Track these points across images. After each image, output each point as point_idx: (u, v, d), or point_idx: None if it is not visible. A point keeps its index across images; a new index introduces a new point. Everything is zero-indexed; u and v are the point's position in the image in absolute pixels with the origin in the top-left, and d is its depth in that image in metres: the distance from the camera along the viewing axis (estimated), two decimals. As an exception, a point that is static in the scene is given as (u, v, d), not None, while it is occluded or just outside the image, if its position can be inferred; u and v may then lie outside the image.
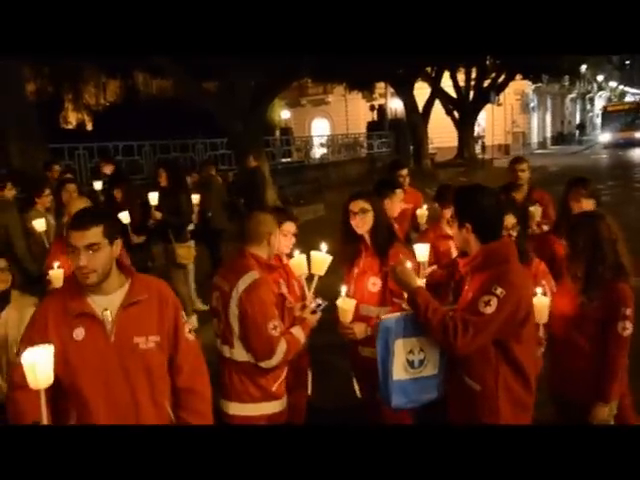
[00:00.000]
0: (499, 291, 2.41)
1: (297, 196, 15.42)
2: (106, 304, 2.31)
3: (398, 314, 2.71)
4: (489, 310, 2.40)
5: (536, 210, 4.87)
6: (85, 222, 2.23)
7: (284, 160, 20.39)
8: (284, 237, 3.42)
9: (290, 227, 3.50)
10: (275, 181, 13.87)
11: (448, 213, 4.21)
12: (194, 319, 6.58)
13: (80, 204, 4.35)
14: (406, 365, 2.64)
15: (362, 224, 3.37)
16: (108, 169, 8.42)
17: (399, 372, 2.65)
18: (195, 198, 6.89)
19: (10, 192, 6.39)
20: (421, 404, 2.77)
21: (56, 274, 3.87)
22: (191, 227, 6.97)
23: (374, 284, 3.31)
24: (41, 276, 4.85)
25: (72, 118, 30.47)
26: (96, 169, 9.44)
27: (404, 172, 5.58)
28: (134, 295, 2.34)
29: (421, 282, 2.83)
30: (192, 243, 7.01)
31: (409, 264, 2.84)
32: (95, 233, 2.22)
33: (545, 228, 4.92)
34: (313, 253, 3.24)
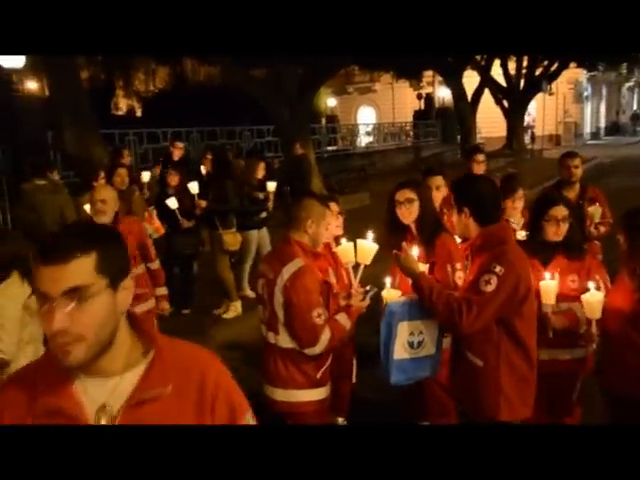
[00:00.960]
0: (498, 269, 2.55)
1: (342, 184, 15.39)
2: (105, 396, 1.31)
3: (404, 298, 2.89)
4: (489, 288, 2.53)
5: (596, 210, 4.68)
6: (61, 249, 1.22)
7: (330, 148, 20.38)
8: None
9: (334, 207, 3.55)
10: (320, 169, 13.88)
11: (510, 203, 4.14)
12: (238, 305, 6.66)
13: (105, 192, 4.19)
14: (406, 346, 2.83)
15: (408, 214, 3.35)
16: (178, 154, 8.32)
17: (400, 352, 2.82)
18: (271, 186, 6.93)
19: (55, 176, 6.56)
20: (417, 380, 3.00)
21: None
22: (264, 215, 6.98)
23: None
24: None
25: (122, 104, 31.14)
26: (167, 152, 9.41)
27: (480, 157, 5.34)
28: (155, 383, 1.32)
29: (424, 267, 3.01)
30: (265, 230, 7.06)
31: (416, 250, 2.95)
32: (80, 268, 1.22)
33: (602, 229, 4.74)
34: (359, 242, 3.21)
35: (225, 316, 6.58)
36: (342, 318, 3.04)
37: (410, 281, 2.82)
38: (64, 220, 5.66)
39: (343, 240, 3.48)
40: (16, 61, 9.55)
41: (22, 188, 6.11)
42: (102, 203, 4.14)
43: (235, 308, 6.62)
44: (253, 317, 6.50)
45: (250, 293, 6.94)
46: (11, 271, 3.08)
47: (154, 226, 6.07)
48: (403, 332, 2.80)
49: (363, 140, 24.16)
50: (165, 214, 6.31)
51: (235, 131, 16.38)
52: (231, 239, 6.42)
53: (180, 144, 8.53)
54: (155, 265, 4.73)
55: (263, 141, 16.64)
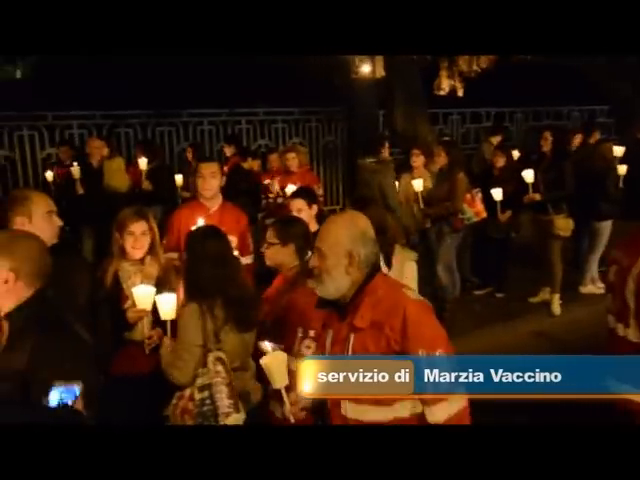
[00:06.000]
0: None
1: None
2: None
3: None
4: None
5: None
6: None
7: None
8: None
9: None
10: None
11: None
12: (557, 298, 6.23)
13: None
14: None
15: None
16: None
17: None
18: (622, 169, 6.47)
19: (386, 152, 6.85)
20: None
21: None
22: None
23: None
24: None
25: (445, 85, 31.75)
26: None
27: None
28: None
29: None
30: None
31: None
32: None
33: None
34: None
35: (553, 311, 6.22)
36: None
37: None
38: (383, 197, 5.87)
39: None
40: (360, 47, 10.41)
41: (357, 164, 6.60)
42: None
43: (555, 300, 6.21)
44: (573, 310, 6.10)
45: (591, 289, 6.49)
46: None
47: (474, 209, 5.98)
48: None
49: None
50: (487, 198, 6.16)
51: (562, 112, 15.35)
52: (563, 224, 6.05)
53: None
54: None
55: (593, 122, 15.27)
